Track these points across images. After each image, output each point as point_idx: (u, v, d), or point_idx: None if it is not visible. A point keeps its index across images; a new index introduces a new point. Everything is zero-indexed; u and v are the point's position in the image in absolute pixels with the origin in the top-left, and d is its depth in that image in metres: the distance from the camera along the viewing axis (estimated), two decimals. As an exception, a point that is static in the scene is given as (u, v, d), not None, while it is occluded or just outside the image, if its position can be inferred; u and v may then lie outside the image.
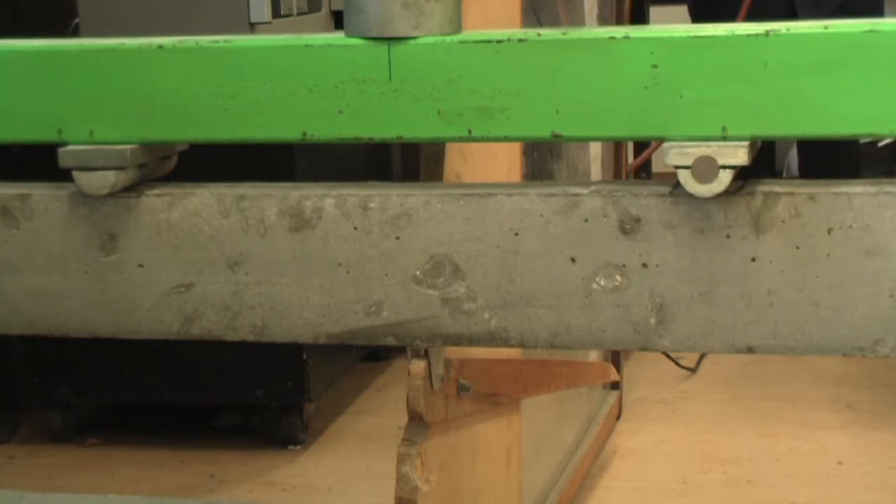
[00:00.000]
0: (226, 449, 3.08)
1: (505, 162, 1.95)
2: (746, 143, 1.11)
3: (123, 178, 1.24)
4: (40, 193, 1.28)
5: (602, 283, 1.16)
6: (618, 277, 1.16)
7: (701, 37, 1.11)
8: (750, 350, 1.15)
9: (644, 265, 1.15)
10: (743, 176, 1.13)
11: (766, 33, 1.10)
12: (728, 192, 1.12)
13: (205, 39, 1.22)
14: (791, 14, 3.74)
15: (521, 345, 1.20)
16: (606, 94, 1.13)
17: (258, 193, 1.23)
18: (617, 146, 2.95)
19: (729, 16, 3.26)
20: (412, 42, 1.17)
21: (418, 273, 1.20)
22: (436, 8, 1.17)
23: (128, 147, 1.24)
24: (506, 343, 1.20)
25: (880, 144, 4.48)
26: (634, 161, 3.31)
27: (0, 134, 1.28)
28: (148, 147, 1.26)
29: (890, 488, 2.74)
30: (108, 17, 2.85)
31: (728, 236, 1.13)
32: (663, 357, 3.41)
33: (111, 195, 1.25)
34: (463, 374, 1.74)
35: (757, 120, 1.11)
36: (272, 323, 1.24)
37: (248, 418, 3.23)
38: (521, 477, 2.09)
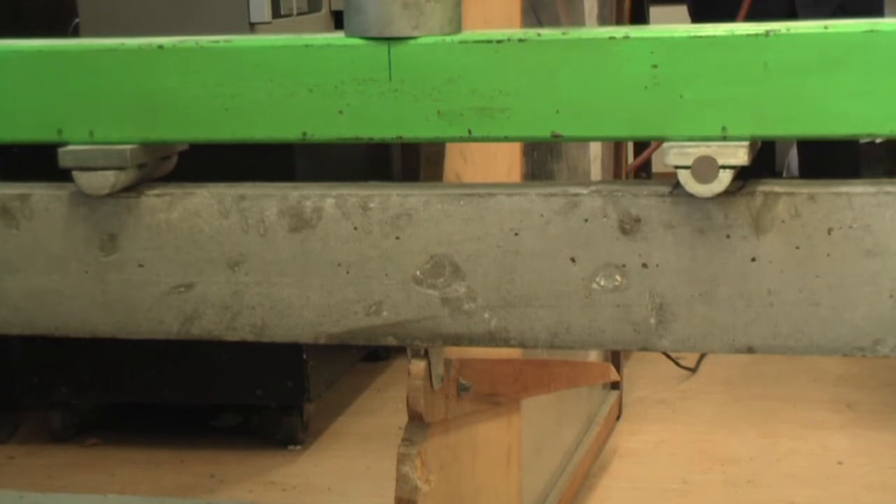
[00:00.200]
0: (226, 449, 3.08)
1: (505, 162, 1.95)
2: (746, 143, 1.11)
3: (123, 178, 1.24)
4: (40, 193, 1.28)
5: (602, 283, 1.16)
6: (618, 277, 1.16)
7: (701, 37, 1.11)
8: (750, 350, 1.15)
9: (644, 265, 1.15)
10: (743, 176, 1.13)
11: (766, 33, 1.10)
12: (728, 192, 1.12)
13: (205, 39, 1.22)
14: (791, 14, 3.74)
15: (521, 345, 1.20)
16: (606, 94, 1.13)
17: (258, 193, 1.23)
18: (617, 146, 2.95)
19: (729, 16, 3.26)
20: (412, 42, 1.17)
21: (418, 273, 1.20)
22: (436, 8, 1.17)
23: (128, 147, 1.24)
24: (506, 343, 1.20)
25: (878, 141, 4.48)
26: (634, 161, 3.31)
27: (0, 134, 1.28)
28: (148, 147, 1.26)
29: (890, 488, 2.74)
30: (108, 17, 2.85)
31: (728, 236, 1.13)
32: (663, 357, 3.41)
33: (111, 195, 1.25)
34: (463, 374, 1.74)
35: (757, 120, 1.11)
36: (272, 323, 1.24)
37: (248, 418, 3.23)
38: (521, 477, 2.09)
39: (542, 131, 1.16)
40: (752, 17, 3.39)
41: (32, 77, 1.25)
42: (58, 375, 3.06)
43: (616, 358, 2.96)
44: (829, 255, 1.11)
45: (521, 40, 1.15)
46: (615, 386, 3.05)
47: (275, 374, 2.97)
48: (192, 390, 3.04)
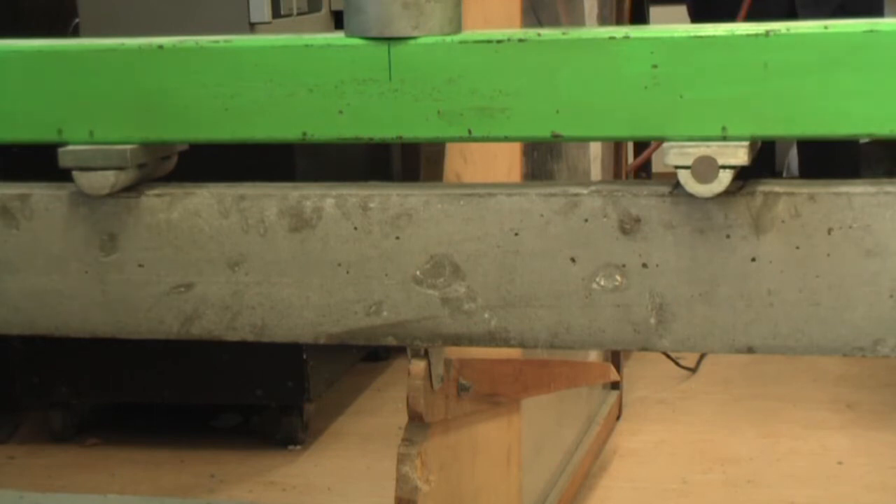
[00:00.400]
0: (226, 449, 3.08)
1: (505, 162, 1.95)
2: (746, 143, 1.11)
3: (123, 178, 1.24)
4: (40, 193, 1.28)
5: (602, 283, 1.16)
6: (618, 277, 1.16)
7: (701, 37, 1.11)
8: (750, 350, 1.15)
9: (644, 265, 1.15)
10: (743, 176, 1.13)
11: (766, 33, 1.10)
12: (728, 192, 1.12)
13: (205, 39, 1.22)
14: (791, 14, 3.74)
15: (521, 345, 1.20)
16: (606, 94, 1.13)
17: (258, 193, 1.23)
18: (617, 146, 2.95)
19: (729, 16, 3.26)
20: (412, 42, 1.17)
21: (418, 273, 1.20)
22: (436, 8, 1.17)
23: (128, 147, 1.24)
24: (506, 343, 1.20)
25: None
26: (634, 161, 3.31)
27: (0, 134, 1.28)
28: (148, 147, 1.26)
29: (890, 488, 2.74)
30: (108, 17, 2.85)
31: (728, 236, 1.13)
32: (663, 357, 3.41)
33: (111, 195, 1.25)
34: (463, 374, 1.74)
35: (757, 120, 1.11)
36: (272, 323, 1.24)
37: (248, 418, 3.23)
38: (521, 477, 2.09)
39: (542, 131, 1.16)
40: (752, 17, 3.39)
41: (32, 77, 1.25)
42: (58, 375, 3.06)
43: (616, 358, 2.95)
44: (829, 255, 1.11)
45: (521, 40, 1.15)
46: (615, 386, 3.05)
47: (275, 374, 2.97)
48: (192, 390, 3.04)
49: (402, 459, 1.62)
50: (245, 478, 2.93)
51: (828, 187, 1.12)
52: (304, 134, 1.21)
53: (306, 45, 1.19)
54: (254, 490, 2.86)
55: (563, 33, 1.15)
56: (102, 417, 3.28)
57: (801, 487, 2.76)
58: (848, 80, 1.08)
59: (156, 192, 1.26)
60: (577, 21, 2.59)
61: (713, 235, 1.13)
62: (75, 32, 2.90)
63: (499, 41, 1.15)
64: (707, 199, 1.12)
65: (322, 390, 3.08)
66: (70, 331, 1.30)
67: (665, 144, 1.13)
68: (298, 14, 3.00)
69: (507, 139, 1.18)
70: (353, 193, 1.21)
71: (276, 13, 2.86)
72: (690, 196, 1.12)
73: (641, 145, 3.43)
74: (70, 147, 1.25)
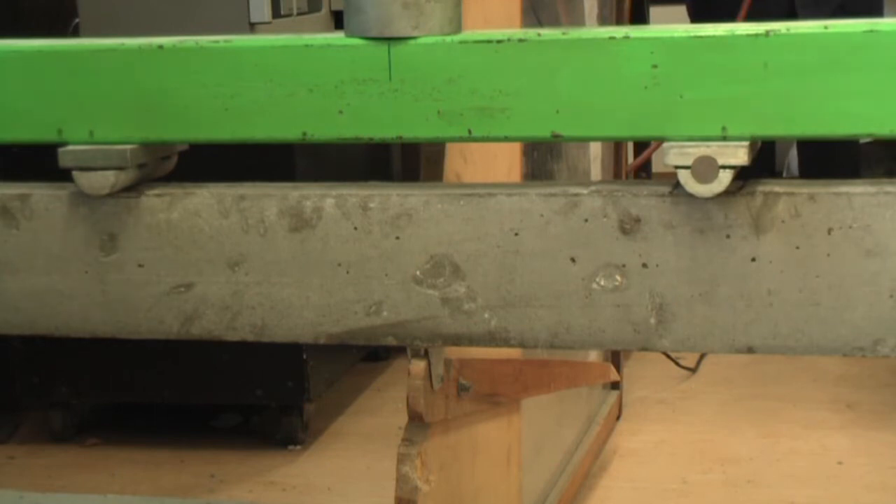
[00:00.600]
0: (226, 449, 3.08)
1: (505, 162, 1.95)
2: (746, 143, 1.11)
3: (123, 178, 1.24)
4: (40, 193, 1.28)
5: (602, 283, 1.16)
6: (618, 277, 1.16)
7: (701, 37, 1.11)
8: (750, 350, 1.15)
9: (644, 265, 1.15)
10: (743, 176, 1.13)
11: (766, 33, 1.10)
12: (728, 192, 1.12)
13: (205, 39, 1.22)
14: (791, 14, 3.74)
15: (521, 345, 1.20)
16: (606, 94, 1.13)
17: (258, 193, 1.23)
18: (617, 146, 2.95)
19: (729, 16, 3.26)
20: (412, 42, 1.17)
21: (418, 273, 1.20)
22: (436, 8, 1.17)
23: (128, 147, 1.24)
24: (506, 343, 1.20)
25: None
26: (634, 161, 3.31)
27: (0, 134, 1.28)
28: (148, 147, 1.26)
29: (890, 488, 2.74)
30: (108, 17, 2.85)
31: (728, 236, 1.13)
32: (663, 357, 3.41)
33: (111, 195, 1.25)
34: (463, 374, 1.74)
35: (757, 120, 1.11)
36: (272, 323, 1.24)
37: (248, 418, 3.23)
38: (521, 477, 2.09)
39: (542, 131, 1.16)
40: (752, 17, 3.39)
41: (32, 77, 1.25)
42: (58, 375, 3.06)
43: (616, 358, 2.95)
44: (829, 255, 1.11)
45: (521, 40, 1.15)
46: (615, 386, 3.05)
47: (275, 374, 2.97)
48: (192, 390, 3.04)
49: (402, 459, 1.62)
50: (245, 478, 2.93)
51: (828, 187, 1.12)
52: (304, 134, 1.21)
53: (306, 45, 1.19)
54: (254, 490, 2.86)
55: (563, 33, 1.15)
56: (102, 417, 3.28)
57: (801, 487, 2.76)
58: (848, 80, 1.08)
59: (156, 192, 1.26)
60: (577, 21, 2.59)
61: (713, 235, 1.13)
62: (75, 32, 2.90)
63: (499, 41, 1.15)
64: (707, 199, 1.12)
65: (322, 390, 3.08)
66: (70, 331, 1.30)
67: (665, 144, 1.13)
68: (298, 14, 3.00)
69: (507, 139, 1.17)
70: (353, 193, 1.21)
71: (276, 13, 2.86)
72: (690, 196, 1.12)
73: (641, 145, 3.43)
74: (70, 147, 1.25)
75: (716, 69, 1.11)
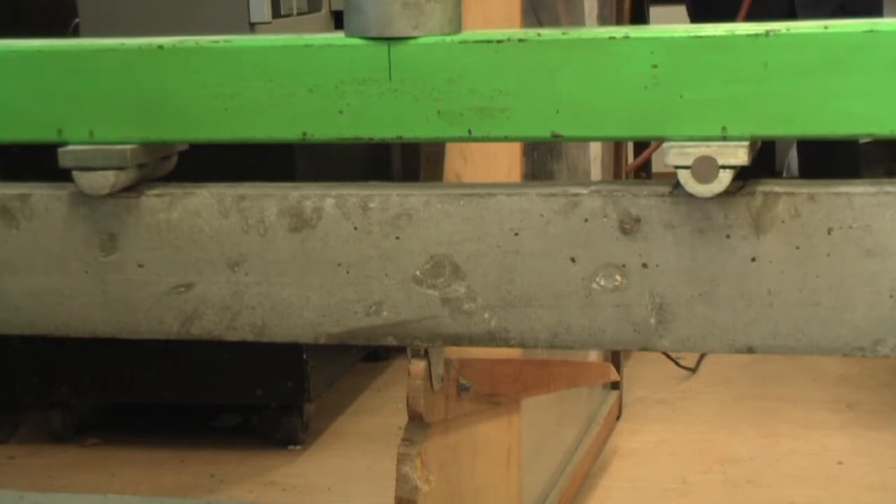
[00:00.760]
0: (226, 449, 3.08)
1: (505, 162, 1.95)
2: (746, 143, 1.11)
3: (123, 178, 1.24)
4: (40, 193, 1.28)
5: (602, 283, 1.16)
6: (618, 277, 1.16)
7: (701, 37, 1.11)
8: (750, 350, 1.15)
9: (644, 265, 1.15)
10: (743, 176, 1.13)
11: (766, 33, 1.10)
12: (728, 192, 1.12)
13: (205, 39, 1.22)
14: (791, 14, 3.74)
15: (521, 345, 1.20)
16: (606, 94, 1.13)
17: (258, 193, 1.23)
18: (617, 146, 2.95)
19: (729, 16, 3.26)
20: (412, 42, 1.17)
21: (418, 273, 1.20)
22: (436, 8, 1.17)
23: (128, 147, 1.24)
24: (506, 343, 1.20)
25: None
26: (634, 161, 3.31)
27: (0, 134, 1.28)
28: (148, 147, 1.26)
29: (890, 488, 2.74)
30: (108, 17, 2.85)
31: (728, 236, 1.13)
32: (663, 357, 3.41)
33: (111, 195, 1.25)
34: (463, 374, 1.74)
35: (757, 120, 1.11)
36: (272, 323, 1.24)
37: (248, 418, 3.23)
38: (521, 477, 2.09)
39: (542, 131, 1.16)
40: (752, 17, 3.39)
41: (32, 77, 1.25)
42: (58, 375, 3.06)
43: (616, 358, 2.95)
44: (829, 255, 1.11)
45: (521, 40, 1.15)
46: (615, 386, 3.05)
47: (275, 374, 2.97)
48: (192, 390, 3.04)
49: (402, 459, 1.62)
50: (245, 478, 2.93)
51: (828, 187, 1.12)
52: (304, 134, 1.21)
53: (306, 45, 1.19)
54: (254, 490, 2.86)
55: (563, 33, 1.15)
56: (102, 417, 3.28)
57: (801, 487, 2.76)
58: (848, 80, 1.08)
59: (156, 192, 1.26)
60: (577, 21, 2.59)
61: (713, 235, 1.13)
62: (75, 32, 2.90)
63: (499, 41, 1.15)
64: (707, 199, 1.12)
65: (322, 390, 3.08)
66: (70, 331, 1.30)
67: (665, 144, 1.13)
68: (298, 14, 3.00)
69: (507, 139, 1.17)
70: (353, 193, 1.21)
71: (276, 13, 2.86)
72: (690, 196, 1.12)
73: (641, 145, 3.43)
74: (70, 147, 1.25)
75: (716, 69, 1.11)
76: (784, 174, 4.95)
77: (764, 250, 1.13)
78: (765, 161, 4.44)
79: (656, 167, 3.74)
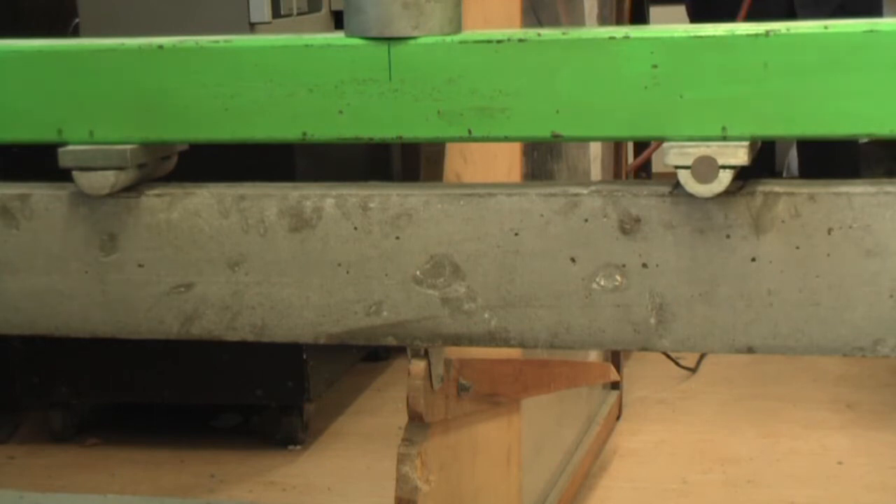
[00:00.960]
0: (226, 449, 3.08)
1: (505, 162, 1.95)
2: (746, 143, 1.11)
3: (123, 178, 1.24)
4: (40, 193, 1.28)
5: (602, 283, 1.16)
6: (618, 277, 1.16)
7: (701, 37, 1.11)
8: (750, 350, 1.15)
9: (644, 265, 1.15)
10: (743, 176, 1.13)
11: (766, 33, 1.10)
12: (728, 192, 1.12)
13: (205, 39, 1.22)
14: (791, 14, 3.74)
15: (521, 345, 1.20)
16: (606, 94, 1.13)
17: (258, 193, 1.23)
18: (617, 146, 2.95)
19: (729, 16, 3.26)
20: (412, 42, 1.17)
21: (418, 273, 1.20)
22: (436, 8, 1.17)
23: (128, 147, 1.24)
24: (506, 343, 1.20)
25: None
26: (634, 161, 3.31)
27: (0, 134, 1.28)
28: (148, 147, 1.26)
29: (890, 488, 2.74)
30: (108, 17, 2.85)
31: (728, 236, 1.13)
32: (663, 357, 3.41)
33: (111, 195, 1.25)
34: (463, 374, 1.74)
35: (757, 120, 1.11)
36: (272, 323, 1.24)
37: (248, 418, 3.23)
38: (521, 477, 2.09)
39: (542, 131, 1.16)
40: (752, 17, 3.39)
41: (32, 77, 1.25)
42: (58, 375, 3.06)
43: (616, 358, 2.95)
44: (829, 255, 1.11)
45: (521, 40, 1.15)
46: (615, 386, 3.05)
47: (275, 374, 2.97)
48: (192, 390, 3.04)
49: (402, 459, 1.62)
50: (245, 478, 2.93)
51: (828, 187, 1.12)
52: (304, 134, 1.21)
53: (306, 45, 1.19)
54: (254, 490, 2.86)
55: (563, 33, 1.15)
56: (102, 417, 3.28)
57: (801, 487, 2.76)
58: (848, 80, 1.08)
59: (156, 192, 1.26)
60: (577, 21, 2.59)
61: (713, 235, 1.13)
62: (75, 32, 2.90)
63: (499, 41, 1.15)
64: (707, 199, 1.12)
65: (322, 390, 3.08)
66: (70, 331, 1.30)
67: (665, 144, 1.13)
68: (298, 14, 3.00)
69: (507, 139, 1.17)
70: (353, 193, 1.21)
71: (276, 13, 2.86)
72: (690, 196, 1.12)
73: (641, 145, 3.43)
74: (70, 147, 1.25)
75: (716, 69, 1.11)
76: (784, 174, 4.95)
77: (764, 250, 1.13)
78: (765, 161, 4.44)
79: (656, 167, 3.74)
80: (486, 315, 1.19)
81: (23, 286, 1.28)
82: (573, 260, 1.17)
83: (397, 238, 1.20)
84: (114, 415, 3.31)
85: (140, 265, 1.26)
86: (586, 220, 1.16)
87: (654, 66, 1.12)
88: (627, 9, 3.01)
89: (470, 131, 1.17)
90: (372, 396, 3.39)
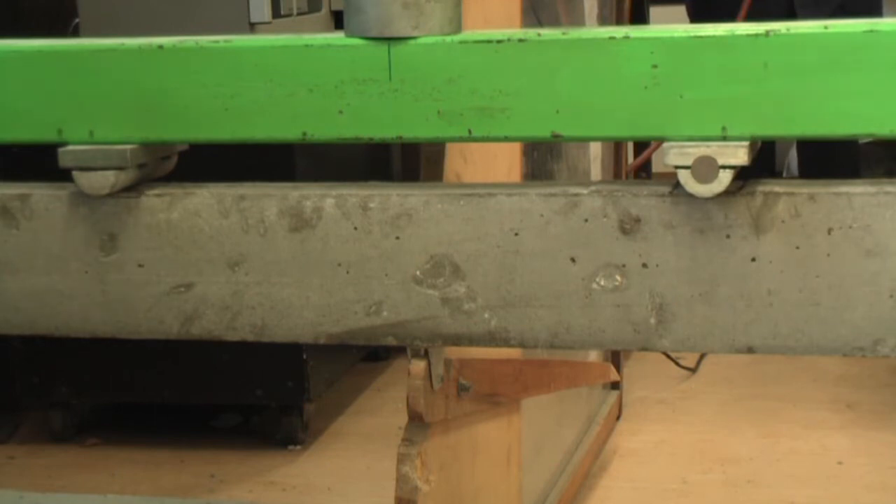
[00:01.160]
0: (226, 449, 3.08)
1: (505, 162, 1.95)
2: (746, 143, 1.11)
3: (123, 178, 1.24)
4: (40, 193, 1.28)
5: (602, 283, 1.16)
6: (618, 277, 1.16)
7: (701, 37, 1.11)
8: (750, 350, 1.15)
9: (644, 265, 1.15)
10: (743, 176, 1.13)
11: (766, 33, 1.10)
12: (728, 192, 1.12)
13: (205, 39, 1.22)
14: (791, 14, 3.74)
15: (521, 345, 1.20)
16: (606, 94, 1.13)
17: (258, 193, 1.23)
18: (617, 146, 2.95)
19: (729, 16, 3.26)
20: (412, 42, 1.17)
21: (418, 273, 1.20)
22: (436, 8, 1.17)
23: (128, 147, 1.24)
24: (506, 343, 1.20)
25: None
26: (634, 161, 3.31)
27: (0, 134, 1.28)
28: (148, 147, 1.26)
29: (890, 488, 2.74)
30: (108, 17, 2.85)
31: (728, 236, 1.13)
32: (663, 357, 3.41)
33: (111, 195, 1.25)
34: (463, 374, 1.74)
35: (757, 120, 1.11)
36: (272, 323, 1.24)
37: (248, 418, 3.23)
38: (521, 477, 2.09)
39: (542, 131, 1.16)
40: (752, 17, 3.39)
41: (32, 77, 1.25)
42: (58, 375, 3.06)
43: (616, 358, 2.95)
44: (829, 255, 1.11)
45: (521, 40, 1.15)
46: (615, 386, 3.05)
47: (275, 374, 2.97)
48: (192, 390, 3.04)
49: (402, 459, 1.62)
50: (245, 478, 2.93)
51: (828, 187, 1.12)
52: (304, 134, 1.21)
53: (306, 45, 1.19)
54: (254, 490, 2.86)
55: (563, 33, 1.15)
56: (102, 417, 3.28)
57: (801, 487, 2.76)
58: (848, 80, 1.08)
59: (156, 192, 1.26)
60: (577, 21, 2.59)
61: (713, 235, 1.13)
62: (75, 32, 2.90)
63: (499, 41, 1.15)
64: (707, 199, 1.12)
65: (322, 390, 3.08)
66: (70, 331, 1.30)
67: (665, 144, 1.13)
68: (298, 14, 3.00)
69: (507, 139, 1.17)
70: (353, 193, 1.21)
71: (276, 13, 2.86)
72: (690, 196, 1.12)
73: (641, 145, 3.43)
74: (70, 147, 1.25)
75: (716, 69, 1.11)
76: (784, 174, 4.95)
77: (764, 250, 1.13)
78: (765, 161, 4.44)
79: (656, 167, 3.74)
80: (486, 315, 1.19)
81: (23, 286, 1.28)
82: (573, 260, 1.17)
83: (397, 238, 1.20)
84: (114, 415, 3.31)
85: (140, 265, 1.26)
86: (586, 220, 1.16)
87: (654, 66, 1.12)
88: (627, 9, 3.01)
89: (470, 131, 1.17)
90: (372, 396, 3.39)
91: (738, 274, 1.13)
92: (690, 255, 1.14)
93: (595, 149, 2.75)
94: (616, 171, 2.96)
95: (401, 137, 1.19)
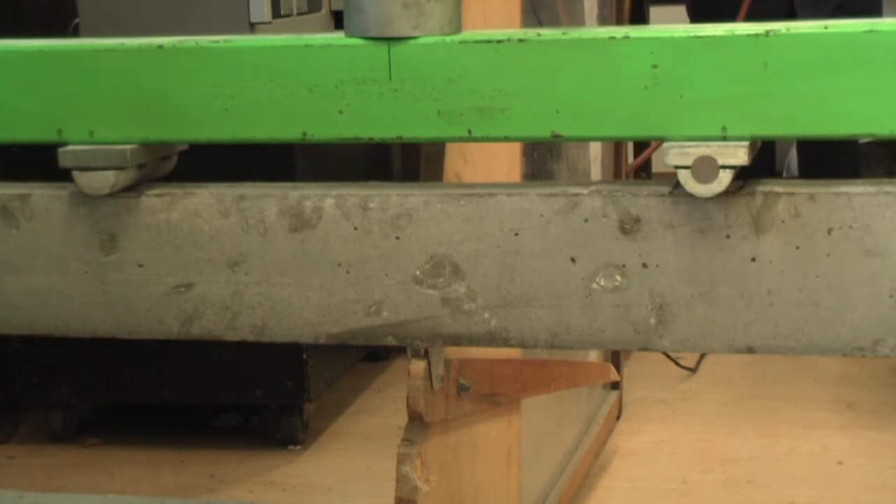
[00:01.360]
0: (226, 449, 3.08)
1: (505, 162, 1.95)
2: (746, 143, 1.11)
3: (123, 178, 1.24)
4: (40, 193, 1.28)
5: (602, 283, 1.16)
6: (618, 277, 1.16)
7: (701, 37, 1.11)
8: (750, 350, 1.15)
9: (644, 265, 1.15)
10: (743, 176, 1.13)
11: (766, 33, 1.10)
12: (728, 192, 1.12)
13: (205, 39, 1.22)
14: (791, 14, 3.74)
15: (521, 345, 1.20)
16: (606, 94, 1.13)
17: (258, 193, 1.23)
18: (617, 146, 2.95)
19: (729, 16, 3.26)
20: (412, 42, 1.17)
21: (418, 273, 1.20)
22: (436, 8, 1.17)
23: (128, 147, 1.24)
24: (506, 343, 1.20)
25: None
26: (634, 161, 3.31)
27: (0, 134, 1.28)
28: (148, 147, 1.26)
29: (890, 488, 2.74)
30: (108, 17, 2.85)
31: (728, 236, 1.13)
32: (663, 357, 3.41)
33: (111, 195, 1.25)
34: (463, 374, 1.74)
35: (757, 120, 1.11)
36: (272, 323, 1.24)
37: (248, 418, 3.23)
38: (521, 477, 2.09)
39: (542, 131, 1.16)
40: (752, 17, 3.39)
41: (32, 77, 1.25)
42: (58, 375, 3.06)
43: (616, 358, 2.95)
44: (829, 255, 1.11)
45: (521, 40, 1.15)
46: (615, 386, 3.05)
47: (275, 374, 2.97)
48: (192, 390, 3.04)
49: (402, 459, 1.62)
50: (245, 478, 2.93)
51: (828, 187, 1.12)
52: (304, 134, 1.21)
53: (306, 45, 1.19)
54: (254, 490, 2.86)
55: (563, 33, 1.15)
56: (102, 417, 3.28)
57: (801, 487, 2.76)
58: (848, 80, 1.08)
59: (156, 192, 1.26)
60: (577, 21, 2.59)
61: (713, 235, 1.13)
62: (75, 32, 2.90)
63: (499, 41, 1.15)
64: (707, 199, 1.12)
65: (322, 390, 3.08)
66: (70, 331, 1.30)
67: (665, 144, 1.13)
68: (298, 14, 3.00)
69: (507, 139, 1.18)
70: (353, 193, 1.21)
71: (276, 13, 2.86)
72: (690, 196, 1.12)
73: (641, 145, 3.43)
74: (70, 147, 1.25)
75: (716, 69, 1.11)
76: (784, 174, 4.95)
77: (764, 250, 1.13)
78: (765, 161, 4.44)
79: (656, 167, 3.74)
80: (486, 315, 1.19)
81: (23, 286, 1.28)
82: (573, 260, 1.17)
83: (397, 238, 1.20)
84: (114, 415, 3.31)
85: (140, 265, 1.26)
86: (586, 220, 1.16)
87: (654, 66, 1.12)
88: (627, 9, 3.01)
89: (470, 131, 1.17)
90: (372, 396, 3.39)
91: (738, 274, 1.13)
92: (690, 255, 1.14)
93: (595, 149, 2.75)
94: (616, 171, 2.96)
95: (401, 137, 1.19)
